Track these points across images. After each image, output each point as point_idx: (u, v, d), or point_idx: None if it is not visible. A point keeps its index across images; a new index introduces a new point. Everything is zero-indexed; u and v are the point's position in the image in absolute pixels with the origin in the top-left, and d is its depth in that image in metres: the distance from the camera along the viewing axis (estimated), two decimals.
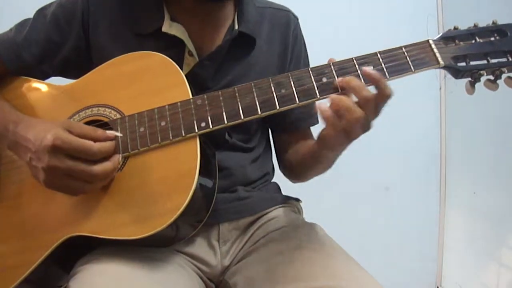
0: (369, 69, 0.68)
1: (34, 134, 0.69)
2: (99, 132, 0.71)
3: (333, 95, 0.68)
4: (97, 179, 0.69)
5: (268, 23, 0.93)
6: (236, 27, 0.87)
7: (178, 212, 0.67)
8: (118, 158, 0.72)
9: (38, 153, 0.68)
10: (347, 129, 0.68)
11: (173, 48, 0.83)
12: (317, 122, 0.98)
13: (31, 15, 0.89)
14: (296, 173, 0.99)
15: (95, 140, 0.70)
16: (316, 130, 0.98)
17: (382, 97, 0.68)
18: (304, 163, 0.91)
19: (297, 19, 0.98)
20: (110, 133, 0.72)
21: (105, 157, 0.70)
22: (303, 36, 0.99)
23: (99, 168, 0.69)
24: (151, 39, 0.84)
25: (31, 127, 0.72)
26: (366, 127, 0.69)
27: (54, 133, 0.67)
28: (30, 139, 0.70)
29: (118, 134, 0.73)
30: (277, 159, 1.03)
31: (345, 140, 0.71)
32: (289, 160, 0.98)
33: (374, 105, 0.68)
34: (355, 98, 0.68)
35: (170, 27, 0.83)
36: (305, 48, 1.00)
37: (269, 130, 1.01)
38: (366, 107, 0.67)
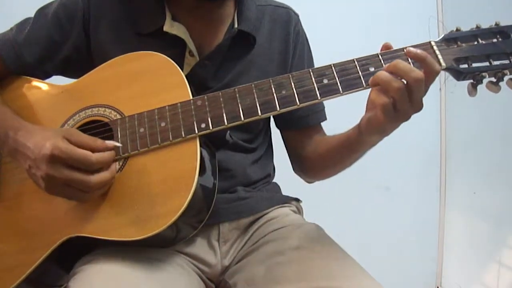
0: (413, 49, 0.66)
1: (34, 142, 0.70)
2: (99, 142, 0.71)
3: (372, 77, 0.67)
4: (94, 189, 0.70)
5: (268, 21, 0.93)
6: (236, 25, 0.87)
7: (178, 213, 0.67)
8: (115, 166, 0.72)
9: (37, 161, 0.68)
10: (395, 105, 0.66)
11: (174, 48, 0.83)
12: (325, 118, 0.98)
13: (31, 14, 0.89)
14: (318, 169, 0.96)
15: (94, 150, 0.69)
16: (328, 125, 0.98)
17: (431, 74, 0.66)
18: (332, 156, 0.88)
19: (298, 16, 0.98)
20: (110, 143, 0.72)
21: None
22: (305, 33, 0.98)
23: (96, 178, 0.69)
24: (152, 39, 0.84)
25: (31, 135, 0.72)
26: (416, 104, 0.68)
27: (53, 143, 0.67)
28: (29, 147, 0.70)
29: (118, 144, 0.72)
30: (291, 158, 1.01)
31: (394, 119, 0.69)
32: (308, 157, 0.96)
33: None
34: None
35: (171, 27, 0.83)
36: (308, 44, 0.99)
37: (271, 131, 1.00)
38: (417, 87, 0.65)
